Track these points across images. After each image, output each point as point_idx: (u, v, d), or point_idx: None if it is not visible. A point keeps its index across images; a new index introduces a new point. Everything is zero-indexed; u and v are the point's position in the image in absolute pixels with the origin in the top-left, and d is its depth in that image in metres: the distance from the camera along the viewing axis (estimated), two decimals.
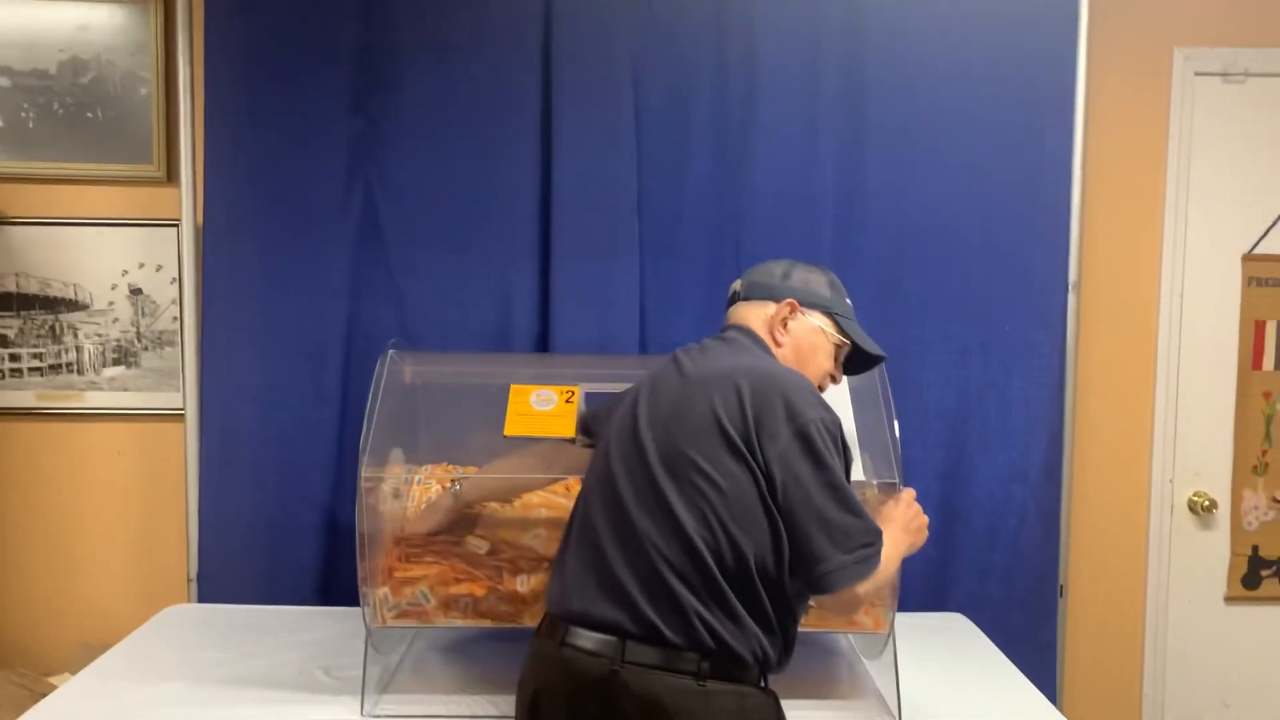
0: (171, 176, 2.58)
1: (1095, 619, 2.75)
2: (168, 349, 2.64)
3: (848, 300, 1.85)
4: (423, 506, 2.06)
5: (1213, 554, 2.77)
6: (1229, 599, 2.78)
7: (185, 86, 2.51)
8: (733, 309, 1.82)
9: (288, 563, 2.51)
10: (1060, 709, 2.17)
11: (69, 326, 2.64)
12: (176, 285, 2.61)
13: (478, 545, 2.02)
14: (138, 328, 2.64)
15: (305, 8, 2.46)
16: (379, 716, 1.89)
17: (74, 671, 2.15)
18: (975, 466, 2.56)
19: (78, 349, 2.64)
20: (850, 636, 2.27)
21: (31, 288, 2.62)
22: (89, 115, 2.58)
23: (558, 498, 2.09)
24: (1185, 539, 2.76)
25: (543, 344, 2.52)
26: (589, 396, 2.05)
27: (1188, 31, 2.65)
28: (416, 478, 2.14)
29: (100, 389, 2.65)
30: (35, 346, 2.63)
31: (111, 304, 2.63)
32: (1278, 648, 2.79)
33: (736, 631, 1.50)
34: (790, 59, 2.49)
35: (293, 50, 2.46)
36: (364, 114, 2.49)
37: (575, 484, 2.06)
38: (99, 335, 2.64)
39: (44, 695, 2.02)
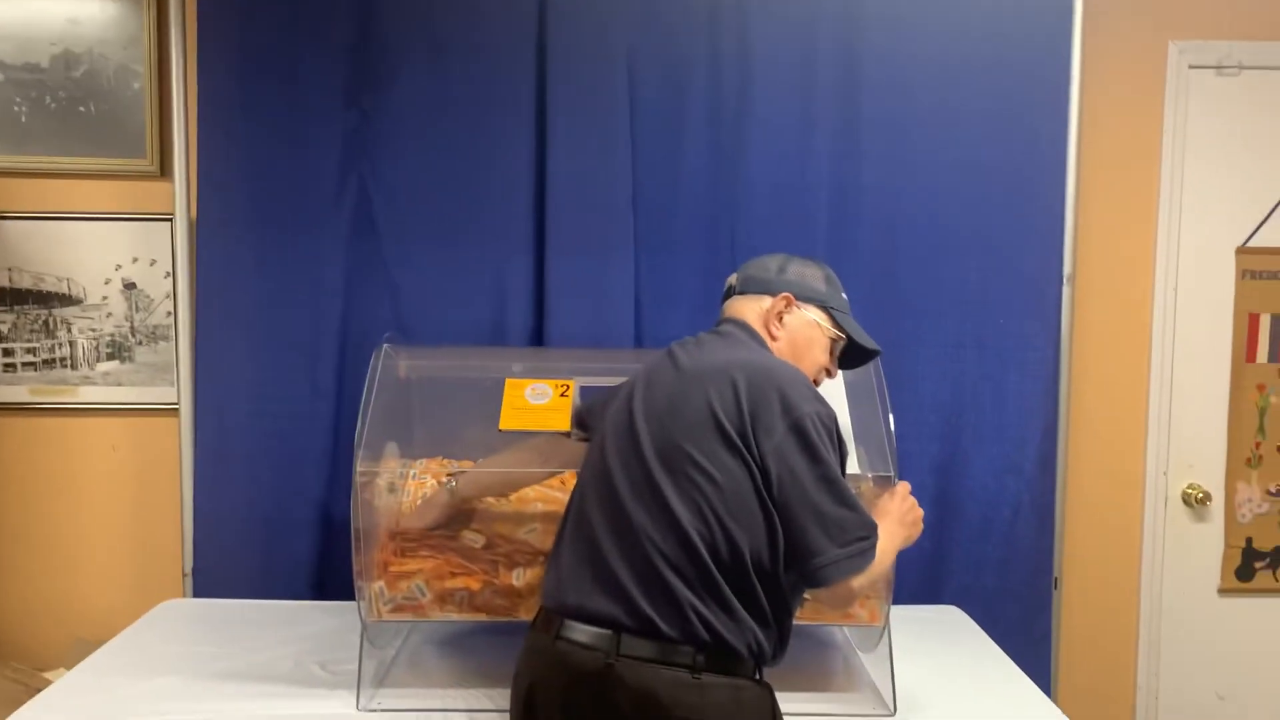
0: (165, 171, 2.58)
1: (1089, 611, 2.75)
2: (162, 344, 2.64)
3: (843, 295, 1.85)
4: (418, 501, 2.06)
5: (1207, 546, 2.78)
6: (1223, 591, 2.79)
7: (178, 80, 2.50)
8: (728, 303, 1.82)
9: (283, 557, 2.51)
10: (1054, 701, 2.17)
11: (63, 321, 2.63)
12: (170, 280, 2.60)
13: (473, 539, 2.02)
14: (132, 322, 2.63)
15: (299, 1, 2.45)
16: (375, 711, 1.89)
17: (69, 667, 2.15)
18: (970, 459, 2.57)
19: (71, 344, 2.63)
20: (845, 629, 2.27)
21: (25, 282, 2.62)
22: (82, 109, 2.57)
23: (553, 492, 2.09)
24: (1179, 531, 2.77)
25: (538, 338, 2.52)
26: (584, 390, 2.04)
27: (1182, 25, 2.65)
28: (412, 472, 2.15)
29: (94, 384, 2.64)
30: (29, 341, 2.63)
31: (105, 299, 2.63)
32: (1271, 639, 2.80)
33: (731, 625, 1.50)
34: (785, 52, 2.49)
35: (286, 44, 2.46)
36: (358, 108, 2.48)
37: (571, 478, 2.06)
38: (93, 330, 2.63)
39: (38, 690, 2.01)
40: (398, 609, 2.00)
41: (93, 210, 2.60)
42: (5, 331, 2.62)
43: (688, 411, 1.57)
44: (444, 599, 2.00)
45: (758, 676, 1.56)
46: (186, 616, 2.38)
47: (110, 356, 2.64)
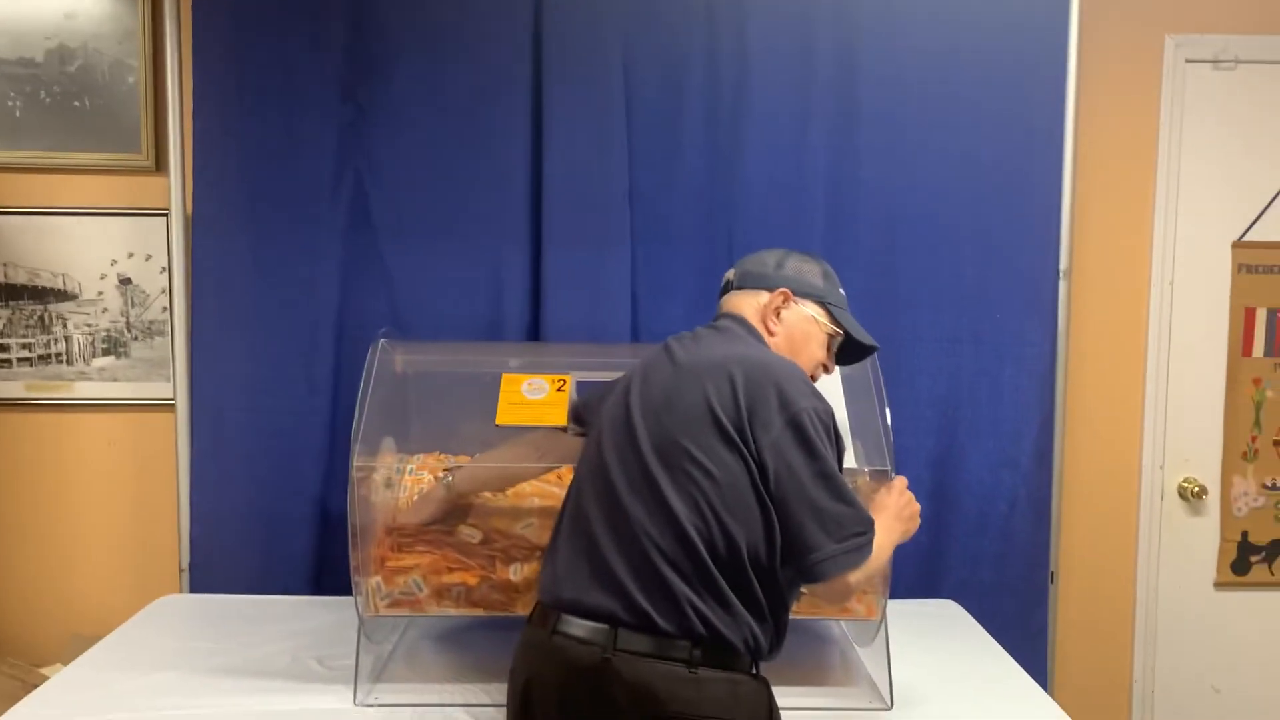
0: (160, 165, 2.57)
1: (1086, 605, 2.76)
2: (158, 339, 2.63)
3: (841, 290, 1.84)
4: (415, 497, 2.06)
5: (1202, 540, 2.78)
6: (1218, 585, 2.79)
7: (173, 75, 2.50)
8: (726, 298, 1.82)
9: (280, 552, 2.51)
10: (1051, 695, 2.18)
11: (58, 317, 2.62)
12: (166, 275, 2.60)
13: (470, 534, 2.02)
14: (127, 318, 2.63)
15: None
16: (372, 705, 1.89)
17: (66, 662, 2.15)
18: (967, 454, 2.57)
19: (67, 339, 2.63)
20: (842, 623, 2.28)
21: (20, 278, 2.61)
22: (76, 104, 2.56)
23: (550, 487, 2.09)
24: (1175, 525, 2.78)
25: (534, 333, 2.52)
26: (581, 385, 2.04)
27: (1178, 18, 2.65)
28: (408, 467, 2.14)
29: (90, 379, 2.64)
30: (24, 337, 2.62)
31: (101, 294, 2.62)
32: (1267, 633, 2.80)
33: (728, 619, 1.50)
34: (781, 46, 2.48)
35: (281, 38, 2.45)
36: (353, 102, 2.48)
37: (567, 473, 2.06)
38: (88, 325, 2.63)
39: (35, 686, 2.01)
40: (395, 604, 2.00)
41: (88, 205, 2.60)
42: (0, 327, 2.62)
43: (685, 407, 1.57)
44: (441, 594, 2.00)
45: (754, 671, 1.56)
46: (183, 612, 2.38)
47: (106, 352, 2.64)
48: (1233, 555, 2.78)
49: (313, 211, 2.48)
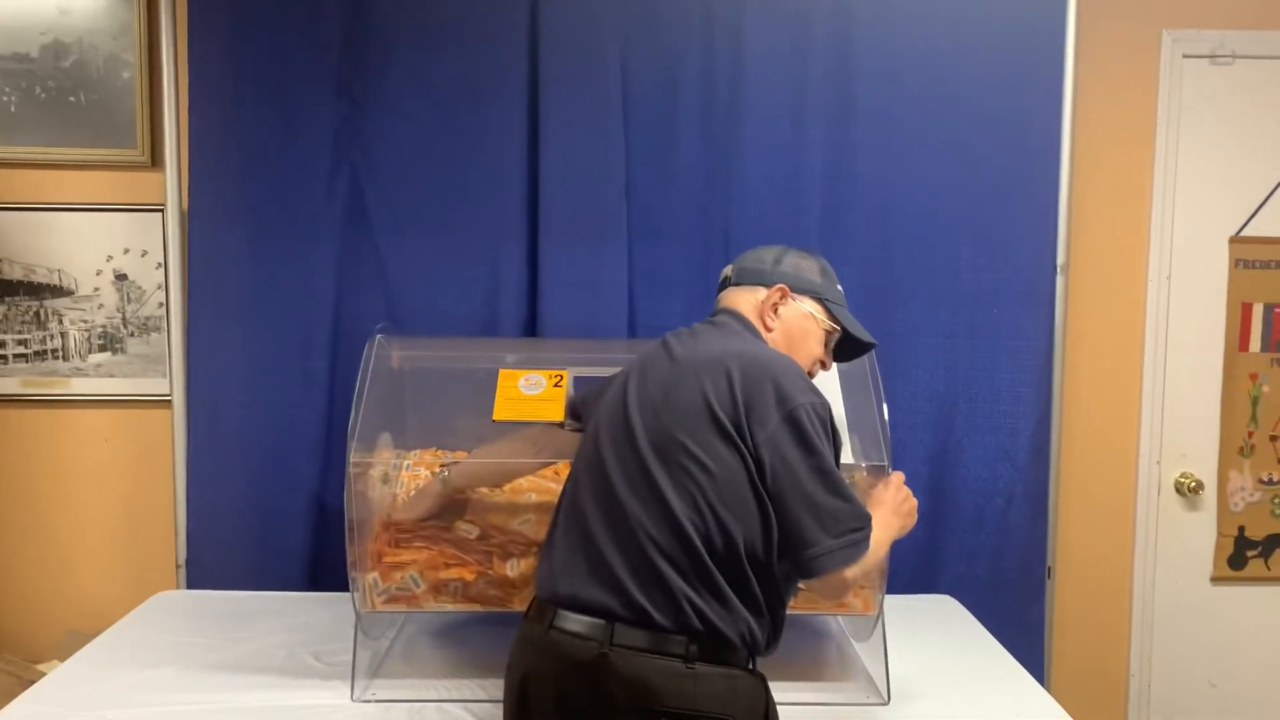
0: (156, 161, 2.57)
1: (1083, 600, 2.76)
2: (154, 335, 2.63)
3: (839, 287, 1.84)
4: (412, 492, 2.06)
5: (1199, 535, 2.79)
6: (1215, 579, 2.80)
7: (169, 70, 2.49)
8: (723, 294, 1.82)
9: (276, 548, 2.51)
10: (1048, 689, 2.18)
11: (54, 313, 2.62)
12: (162, 271, 2.59)
13: (467, 530, 2.02)
14: (123, 314, 2.62)
15: None
16: (369, 701, 1.90)
17: (63, 658, 2.15)
18: (964, 449, 2.58)
19: (63, 335, 2.62)
20: (839, 618, 2.28)
21: (15, 274, 2.60)
22: (71, 99, 2.56)
23: (547, 482, 2.09)
24: (1172, 520, 2.78)
25: (531, 328, 2.52)
26: (577, 380, 2.04)
27: (1176, 13, 2.65)
28: (405, 463, 2.14)
29: (86, 375, 2.64)
30: (20, 333, 2.62)
31: (97, 290, 2.62)
32: (1263, 628, 2.81)
33: (725, 614, 1.50)
34: (778, 41, 2.48)
35: (277, 33, 2.44)
36: (349, 98, 2.48)
37: (564, 468, 2.06)
38: (84, 321, 2.62)
39: (32, 682, 2.01)
40: (392, 600, 2.00)
41: (83, 201, 2.59)
42: None
43: (682, 402, 1.57)
44: (438, 590, 2.00)
45: (751, 666, 1.56)
46: (180, 608, 2.37)
47: (102, 348, 2.63)
48: (1229, 550, 2.79)
49: (309, 207, 2.48)
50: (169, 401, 2.56)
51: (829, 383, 2.06)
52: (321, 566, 2.52)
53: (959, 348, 2.56)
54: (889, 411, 1.98)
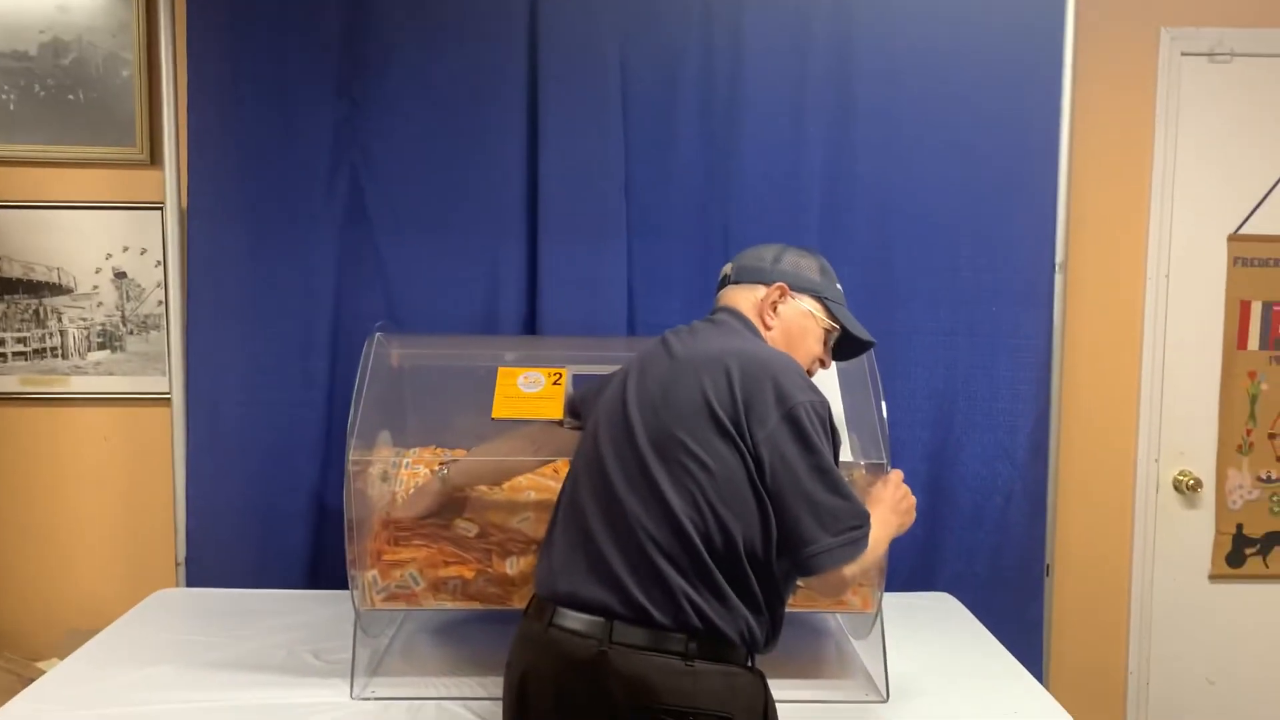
0: (155, 159, 2.56)
1: (1081, 597, 2.77)
2: (153, 333, 2.63)
3: (838, 285, 1.84)
4: (411, 491, 2.06)
5: (1197, 532, 2.79)
6: (1213, 577, 2.80)
7: (168, 68, 2.49)
8: (723, 292, 1.82)
9: (276, 546, 2.51)
10: (1046, 687, 2.18)
11: (53, 311, 2.62)
12: (161, 269, 2.59)
13: (466, 528, 2.02)
14: (122, 312, 2.62)
15: None
16: (368, 699, 1.90)
17: (62, 657, 2.15)
18: (962, 447, 2.58)
19: (62, 333, 2.62)
20: (838, 616, 2.28)
21: (14, 272, 2.60)
22: (70, 97, 2.55)
23: (546, 480, 2.09)
24: (1170, 518, 2.78)
25: (530, 326, 2.52)
26: (577, 378, 2.04)
27: (1174, 11, 2.65)
28: (405, 461, 2.15)
29: (85, 373, 2.64)
30: (19, 331, 2.62)
31: (96, 288, 2.62)
32: (1262, 625, 2.81)
33: (724, 612, 1.50)
34: (777, 40, 2.48)
35: (277, 31, 2.44)
36: (349, 96, 2.47)
37: (564, 466, 2.06)
38: (83, 320, 2.62)
39: (32, 680, 2.01)
40: (391, 597, 2.00)
41: (82, 199, 2.59)
42: None
43: (681, 399, 1.57)
44: (437, 587, 2.00)
45: (750, 664, 1.56)
46: (179, 606, 2.38)
47: (101, 346, 2.63)
48: (1227, 548, 2.79)
49: (308, 206, 2.48)
50: (168, 400, 2.56)
51: (827, 380, 2.06)
52: (321, 564, 2.52)
53: (958, 346, 2.57)
54: (888, 409, 1.99)
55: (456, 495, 2.04)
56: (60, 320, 2.62)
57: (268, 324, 2.49)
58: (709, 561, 1.50)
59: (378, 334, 2.12)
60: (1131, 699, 2.82)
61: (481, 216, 2.50)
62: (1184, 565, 2.79)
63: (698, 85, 2.49)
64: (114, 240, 2.60)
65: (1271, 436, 2.76)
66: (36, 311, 2.62)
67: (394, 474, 2.11)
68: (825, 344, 1.80)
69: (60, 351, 2.63)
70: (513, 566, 2.00)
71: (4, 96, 2.55)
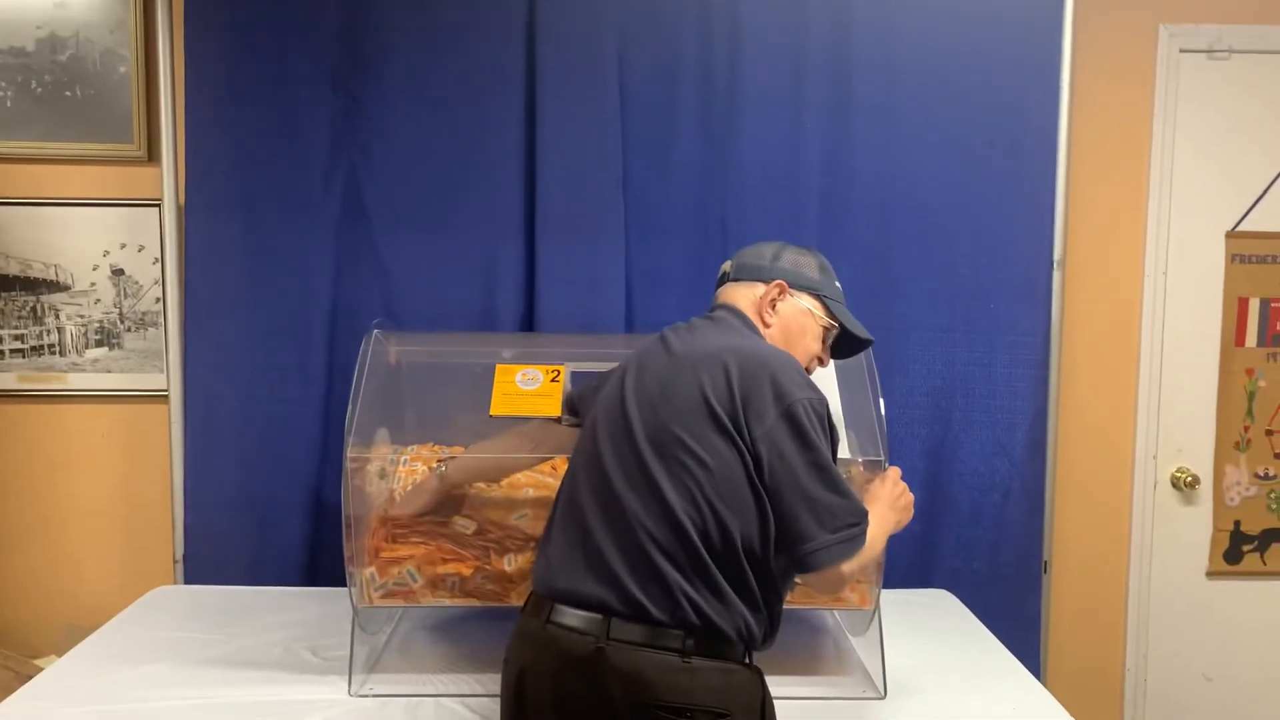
0: (152, 155, 2.56)
1: (1079, 594, 2.77)
2: (151, 330, 2.63)
3: (837, 284, 1.84)
4: (409, 488, 2.06)
5: (1195, 529, 2.79)
6: (1211, 574, 2.80)
7: (165, 64, 2.49)
8: (722, 289, 1.82)
9: (274, 543, 2.51)
10: (1044, 683, 2.19)
11: (50, 308, 2.62)
12: (159, 265, 2.59)
13: (464, 525, 2.02)
14: (120, 308, 2.62)
15: None
16: (366, 696, 1.90)
17: (60, 654, 2.15)
18: (960, 444, 2.58)
19: (59, 330, 2.62)
20: (836, 613, 2.28)
21: (12, 269, 2.60)
22: (68, 94, 2.55)
23: (544, 477, 2.09)
24: (1168, 515, 2.78)
25: (528, 323, 2.52)
26: (575, 375, 2.05)
27: (1173, 8, 2.65)
28: (403, 458, 2.14)
29: (83, 370, 2.63)
30: (16, 328, 2.62)
31: (93, 285, 2.61)
32: (1259, 622, 2.82)
33: (722, 609, 1.50)
34: (776, 37, 2.48)
35: (274, 28, 2.44)
36: (347, 93, 2.47)
37: (562, 463, 2.06)
38: (81, 316, 2.62)
39: (30, 677, 2.01)
40: (389, 594, 2.00)
41: (80, 196, 2.59)
42: None
43: (679, 396, 1.57)
44: (435, 584, 2.00)
45: (748, 661, 1.56)
46: (178, 603, 2.38)
47: (99, 343, 2.63)
48: (1225, 544, 2.79)
49: (306, 202, 2.48)
50: (166, 397, 2.56)
51: (826, 377, 2.06)
52: (319, 561, 2.52)
53: (956, 342, 2.57)
54: (886, 406, 1.99)
55: (454, 492, 2.04)
56: (58, 317, 2.62)
57: (265, 321, 2.49)
58: (707, 558, 1.50)
59: (375, 331, 2.12)
60: (1129, 695, 2.82)
61: (479, 213, 2.49)
62: (1181, 562, 2.80)
63: (696, 81, 2.49)
64: (112, 237, 2.60)
65: (1269, 433, 2.76)
66: (34, 308, 2.61)
67: (392, 471, 2.11)
68: (824, 342, 1.80)
69: (58, 348, 2.63)
70: (511, 564, 2.00)
71: (1, 93, 2.54)
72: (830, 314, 1.78)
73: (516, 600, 1.98)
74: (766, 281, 1.76)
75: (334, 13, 2.44)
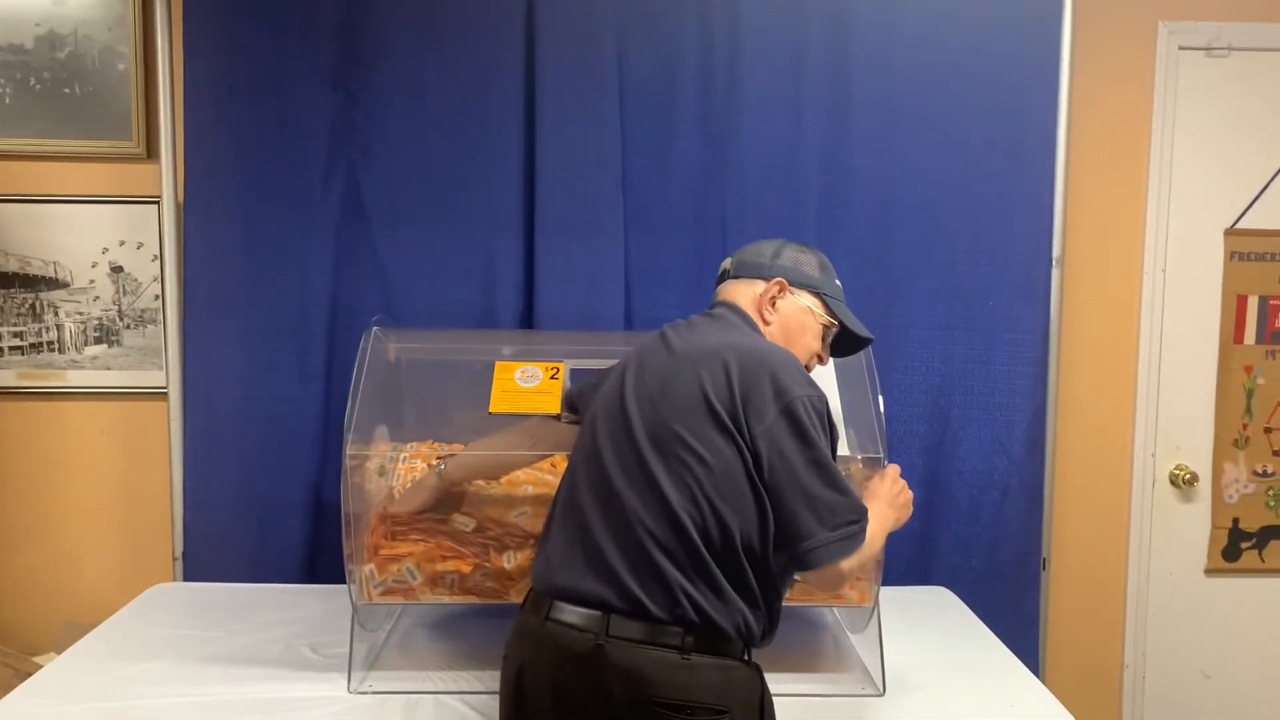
0: (151, 153, 2.56)
1: (1077, 591, 2.77)
2: (150, 327, 2.62)
3: (837, 282, 1.84)
4: (408, 485, 2.06)
5: (1193, 527, 2.80)
6: (1209, 571, 2.81)
7: (164, 61, 2.48)
8: (722, 286, 1.82)
9: (273, 541, 2.51)
10: (1042, 680, 2.19)
11: (49, 305, 2.62)
12: (158, 262, 2.59)
13: (464, 523, 2.02)
14: (119, 306, 2.62)
15: None
16: (365, 693, 1.90)
17: (59, 651, 2.15)
18: (959, 441, 2.58)
19: (59, 327, 2.62)
20: (835, 610, 2.28)
21: (11, 266, 2.60)
22: (67, 91, 2.55)
23: (543, 475, 2.09)
24: (1166, 512, 2.79)
25: (527, 320, 2.52)
26: (574, 373, 2.04)
27: (1172, 5, 2.65)
28: (402, 455, 2.14)
29: (82, 368, 2.63)
30: (15, 325, 2.61)
31: (92, 282, 2.61)
32: (1258, 619, 2.82)
33: (721, 606, 1.50)
34: (775, 36, 2.48)
35: (272, 25, 2.44)
36: (345, 90, 2.47)
37: (561, 461, 2.06)
38: (80, 314, 2.62)
39: (29, 675, 2.01)
40: (388, 592, 2.00)
41: (79, 193, 2.58)
42: None
43: (679, 393, 1.57)
44: (435, 582, 2.00)
45: (747, 657, 1.57)
46: (177, 600, 2.38)
47: (98, 340, 2.63)
48: (1224, 542, 2.79)
49: (305, 200, 2.48)
50: (165, 394, 2.56)
51: (825, 375, 2.07)
52: (318, 559, 2.52)
53: (955, 340, 2.57)
54: (885, 404, 1.99)
55: (454, 490, 2.04)
56: (57, 314, 2.62)
57: (264, 318, 2.48)
58: (706, 556, 1.50)
59: (374, 328, 2.12)
60: (1127, 692, 2.82)
61: (479, 210, 2.49)
62: (1180, 559, 2.80)
63: (695, 79, 2.49)
64: (111, 234, 2.60)
65: (1267, 431, 2.76)
66: (33, 305, 2.61)
67: (391, 469, 2.11)
68: (823, 340, 1.80)
69: (57, 346, 2.63)
70: (510, 561, 2.00)
71: (0, 90, 2.54)
72: (830, 312, 1.79)
73: (516, 597, 1.98)
74: (767, 279, 1.77)
75: (333, 11, 2.44)
